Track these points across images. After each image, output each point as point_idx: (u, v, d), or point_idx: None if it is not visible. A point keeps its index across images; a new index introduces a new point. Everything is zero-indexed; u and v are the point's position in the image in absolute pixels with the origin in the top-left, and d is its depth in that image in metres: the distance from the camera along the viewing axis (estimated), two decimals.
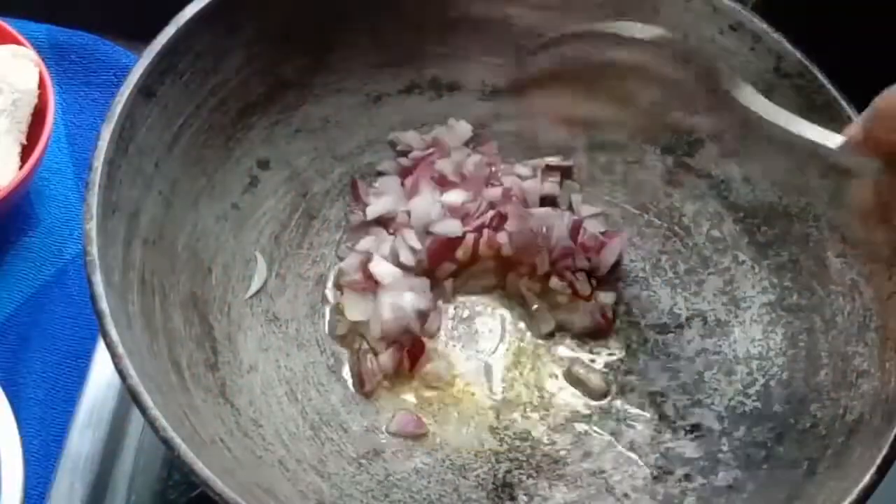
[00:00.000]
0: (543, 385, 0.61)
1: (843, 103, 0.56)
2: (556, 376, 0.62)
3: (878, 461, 0.49)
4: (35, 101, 0.67)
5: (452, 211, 0.62)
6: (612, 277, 0.65)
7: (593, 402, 0.61)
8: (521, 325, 0.63)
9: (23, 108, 0.66)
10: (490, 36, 0.63)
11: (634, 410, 0.61)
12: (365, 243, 0.62)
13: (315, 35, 0.60)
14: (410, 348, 0.60)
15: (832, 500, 0.49)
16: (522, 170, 0.65)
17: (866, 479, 0.48)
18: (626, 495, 0.57)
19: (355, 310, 0.61)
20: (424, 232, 0.62)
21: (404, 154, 0.65)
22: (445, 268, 0.62)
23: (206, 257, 0.58)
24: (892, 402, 0.51)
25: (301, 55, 0.61)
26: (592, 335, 0.63)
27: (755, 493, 0.55)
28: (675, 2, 0.59)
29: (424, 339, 0.61)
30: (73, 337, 0.66)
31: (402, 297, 0.60)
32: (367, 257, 0.61)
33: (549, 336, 0.63)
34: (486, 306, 0.64)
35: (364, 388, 0.59)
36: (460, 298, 0.63)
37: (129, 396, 0.46)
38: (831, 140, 0.46)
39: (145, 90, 0.53)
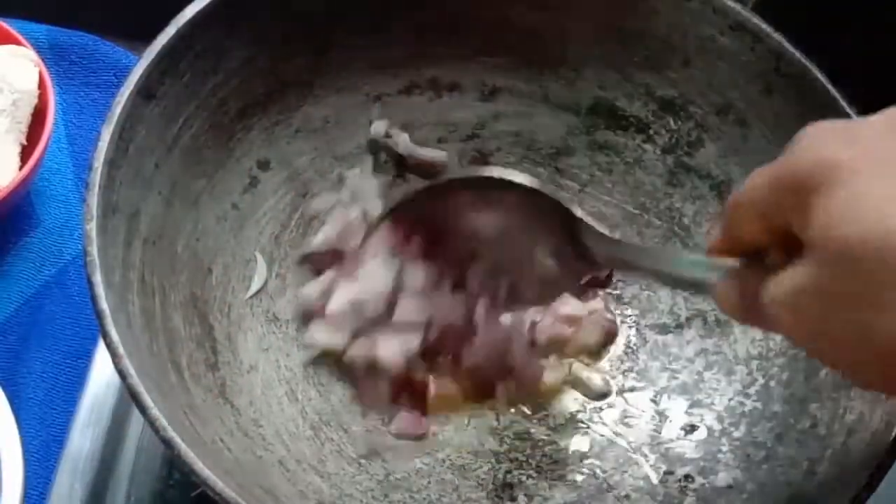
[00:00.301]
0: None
1: (843, 103, 0.56)
2: (557, 376, 0.62)
3: (878, 461, 0.49)
4: (35, 101, 0.67)
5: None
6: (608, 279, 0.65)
7: (593, 403, 0.61)
8: None
9: (23, 108, 0.66)
10: (490, 36, 0.63)
11: (634, 410, 0.61)
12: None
13: (315, 35, 0.60)
14: (413, 392, 0.59)
15: (832, 500, 0.49)
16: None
17: (866, 479, 0.48)
18: (626, 495, 0.57)
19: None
20: None
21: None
22: None
23: (206, 257, 0.58)
24: (893, 402, 0.51)
25: (301, 55, 0.61)
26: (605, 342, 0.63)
27: (755, 493, 0.55)
28: (675, 2, 0.59)
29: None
30: (73, 337, 0.66)
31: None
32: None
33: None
34: None
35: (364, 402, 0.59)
36: None
37: (129, 396, 0.46)
38: (700, 270, 0.46)
39: (145, 90, 0.53)
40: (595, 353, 0.62)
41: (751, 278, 0.42)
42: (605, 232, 0.53)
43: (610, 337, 0.63)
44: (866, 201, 0.35)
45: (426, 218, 0.57)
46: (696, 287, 0.48)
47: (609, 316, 0.63)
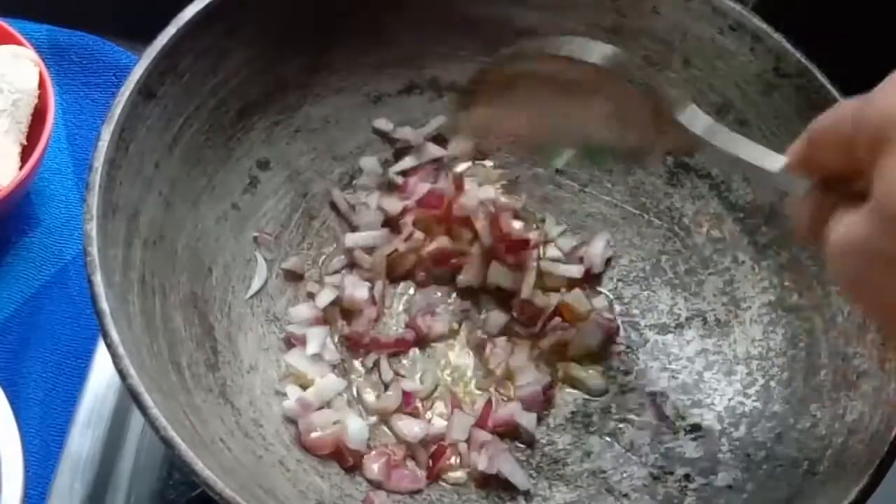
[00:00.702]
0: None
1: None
2: (556, 376, 0.62)
3: (878, 461, 0.49)
4: (35, 101, 0.67)
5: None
6: (607, 277, 0.65)
7: (593, 403, 0.61)
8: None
9: (23, 108, 0.66)
10: (490, 36, 0.63)
11: (634, 410, 0.61)
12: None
13: (315, 35, 0.60)
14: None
15: (832, 500, 0.49)
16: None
17: (866, 479, 0.48)
18: (625, 495, 0.57)
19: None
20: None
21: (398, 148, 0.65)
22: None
23: (206, 257, 0.58)
24: (892, 402, 0.51)
25: (301, 55, 0.61)
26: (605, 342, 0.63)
27: (755, 493, 0.55)
28: (675, 2, 0.59)
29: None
30: (73, 337, 0.66)
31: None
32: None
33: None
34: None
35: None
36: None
37: (129, 396, 0.46)
38: (772, 162, 0.46)
39: (145, 90, 0.53)
40: (595, 353, 0.62)
41: (824, 203, 0.42)
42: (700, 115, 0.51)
43: (610, 337, 0.63)
44: None
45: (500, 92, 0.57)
46: (782, 187, 0.47)
47: (609, 316, 0.63)
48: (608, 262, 0.65)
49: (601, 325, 0.62)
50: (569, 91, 0.54)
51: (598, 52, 0.53)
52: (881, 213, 0.36)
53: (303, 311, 0.60)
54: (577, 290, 0.63)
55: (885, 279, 0.37)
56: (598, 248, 0.64)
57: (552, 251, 0.65)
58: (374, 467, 0.56)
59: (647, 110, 0.52)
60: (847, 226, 0.38)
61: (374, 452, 0.57)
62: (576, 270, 0.64)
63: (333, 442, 0.56)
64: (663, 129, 0.52)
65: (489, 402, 0.59)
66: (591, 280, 0.64)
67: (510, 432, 0.59)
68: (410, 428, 0.58)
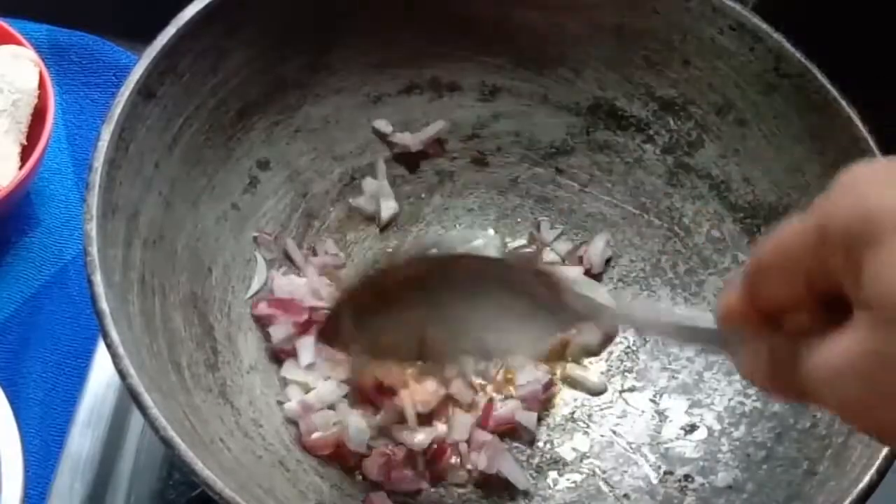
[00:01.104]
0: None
1: (843, 103, 0.56)
2: (556, 376, 0.62)
3: (878, 461, 0.49)
4: (35, 101, 0.67)
5: None
6: (607, 277, 0.65)
7: (593, 403, 0.61)
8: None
9: (23, 108, 0.66)
10: (490, 36, 0.63)
11: (634, 410, 0.61)
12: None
13: (315, 35, 0.60)
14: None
15: (832, 500, 0.49)
16: None
17: (866, 479, 0.48)
18: (625, 495, 0.57)
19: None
20: None
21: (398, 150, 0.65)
22: None
23: (206, 257, 0.58)
24: None
25: (301, 55, 0.61)
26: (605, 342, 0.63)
27: (755, 493, 0.55)
28: (675, 2, 0.59)
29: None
30: (73, 337, 0.66)
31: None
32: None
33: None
34: None
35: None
36: None
37: (129, 396, 0.46)
38: (704, 320, 0.41)
39: (145, 90, 0.53)
40: (595, 353, 0.62)
41: (777, 346, 0.37)
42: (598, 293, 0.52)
43: (610, 337, 0.63)
44: None
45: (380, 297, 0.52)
46: (710, 345, 0.44)
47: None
48: (608, 262, 0.65)
49: (601, 325, 0.62)
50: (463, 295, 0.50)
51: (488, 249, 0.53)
52: (884, 314, 0.31)
53: (280, 331, 0.59)
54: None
55: None
56: (597, 249, 0.64)
57: (550, 255, 0.65)
58: (374, 468, 0.56)
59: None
60: (844, 344, 0.33)
61: (374, 453, 0.57)
62: (575, 272, 0.64)
63: (334, 442, 0.56)
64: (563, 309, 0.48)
65: (490, 401, 0.59)
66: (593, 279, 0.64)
67: (510, 432, 0.59)
68: (413, 437, 0.58)
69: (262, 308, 0.59)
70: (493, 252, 0.52)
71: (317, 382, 0.58)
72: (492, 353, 0.56)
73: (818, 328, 0.35)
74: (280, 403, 0.57)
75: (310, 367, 0.58)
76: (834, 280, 0.34)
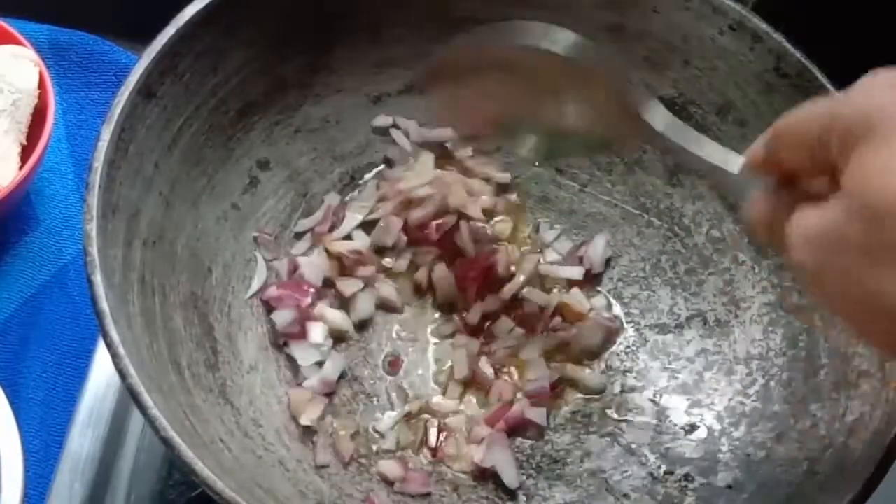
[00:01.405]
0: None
1: None
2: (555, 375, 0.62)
3: (878, 461, 0.49)
4: (35, 101, 0.67)
5: None
6: (607, 277, 0.65)
7: (593, 403, 0.61)
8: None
9: (23, 108, 0.66)
10: None
11: (634, 410, 0.61)
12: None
13: (315, 35, 0.60)
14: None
15: (832, 500, 0.49)
16: None
17: (866, 478, 0.48)
18: (625, 495, 0.57)
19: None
20: None
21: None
22: None
23: (206, 257, 0.58)
24: (892, 402, 0.51)
25: (301, 55, 0.61)
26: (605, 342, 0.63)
27: (755, 493, 0.55)
28: (675, 2, 0.59)
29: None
30: (73, 337, 0.66)
31: None
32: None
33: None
34: None
35: None
36: None
37: (129, 396, 0.46)
38: (732, 162, 0.47)
39: (145, 90, 0.53)
40: (595, 353, 0.62)
41: (784, 200, 0.42)
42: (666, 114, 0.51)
43: (610, 337, 0.63)
44: None
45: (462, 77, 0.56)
46: (736, 189, 0.48)
47: (609, 316, 0.63)
48: (608, 262, 0.65)
49: (601, 325, 0.62)
50: (534, 79, 0.54)
51: (562, 40, 0.53)
52: (853, 203, 0.36)
53: (286, 315, 0.59)
54: (575, 290, 0.63)
55: (850, 269, 0.37)
56: (597, 249, 0.64)
57: (551, 255, 0.65)
58: (393, 468, 0.57)
59: (613, 102, 0.52)
60: (813, 217, 0.39)
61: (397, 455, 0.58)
62: (576, 272, 0.64)
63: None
64: (629, 121, 0.52)
65: (509, 404, 0.59)
66: (590, 280, 0.64)
67: (519, 428, 0.60)
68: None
69: (272, 291, 0.59)
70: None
71: (327, 356, 0.59)
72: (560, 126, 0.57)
73: (814, 195, 0.40)
74: (280, 403, 0.57)
75: (318, 346, 0.59)
76: (831, 161, 0.39)
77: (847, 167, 0.37)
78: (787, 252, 0.41)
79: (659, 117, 0.51)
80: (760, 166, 0.45)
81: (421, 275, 0.62)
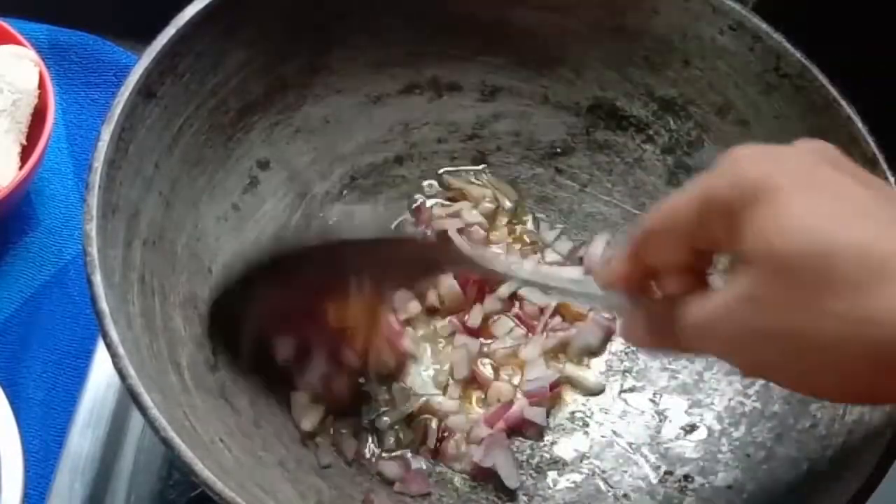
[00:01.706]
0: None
1: (843, 103, 0.56)
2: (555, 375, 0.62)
3: (878, 461, 0.49)
4: (35, 101, 0.67)
5: None
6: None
7: (593, 403, 0.61)
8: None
9: (23, 108, 0.66)
10: (490, 36, 0.63)
11: (634, 410, 0.61)
12: None
13: (315, 35, 0.60)
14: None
15: (832, 500, 0.49)
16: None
17: (866, 479, 0.48)
18: (625, 495, 0.57)
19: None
20: None
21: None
22: None
23: (206, 257, 0.58)
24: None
25: (301, 55, 0.61)
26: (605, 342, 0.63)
27: (755, 493, 0.55)
28: (675, 2, 0.59)
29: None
30: (73, 337, 0.66)
31: None
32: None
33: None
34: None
35: None
36: None
37: (129, 396, 0.46)
38: (591, 285, 0.47)
39: (145, 90, 0.53)
40: (595, 353, 0.62)
41: (658, 307, 0.43)
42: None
43: (610, 336, 0.63)
44: (801, 216, 0.36)
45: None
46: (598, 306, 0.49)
47: (609, 315, 0.63)
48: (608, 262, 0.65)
49: (601, 325, 0.62)
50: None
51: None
52: (764, 267, 0.37)
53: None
54: None
55: (778, 328, 0.37)
56: (597, 249, 0.64)
57: (551, 255, 0.65)
58: (393, 468, 0.57)
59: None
60: (721, 297, 0.39)
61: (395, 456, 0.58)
62: (576, 272, 0.64)
63: None
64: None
65: (509, 403, 0.59)
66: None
67: (519, 427, 0.60)
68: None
69: None
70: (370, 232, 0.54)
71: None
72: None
73: (692, 289, 0.41)
74: (280, 402, 0.57)
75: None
76: (715, 242, 0.40)
77: (740, 238, 0.38)
78: (689, 346, 0.41)
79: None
80: (619, 280, 0.45)
81: (432, 298, 0.62)
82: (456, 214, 0.65)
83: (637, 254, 0.44)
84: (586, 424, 0.60)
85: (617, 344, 0.63)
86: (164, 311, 0.53)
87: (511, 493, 0.57)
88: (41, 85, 0.67)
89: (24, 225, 0.69)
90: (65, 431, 0.62)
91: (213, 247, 0.58)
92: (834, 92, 0.56)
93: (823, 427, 0.54)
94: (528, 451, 0.59)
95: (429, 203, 0.65)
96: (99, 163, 0.49)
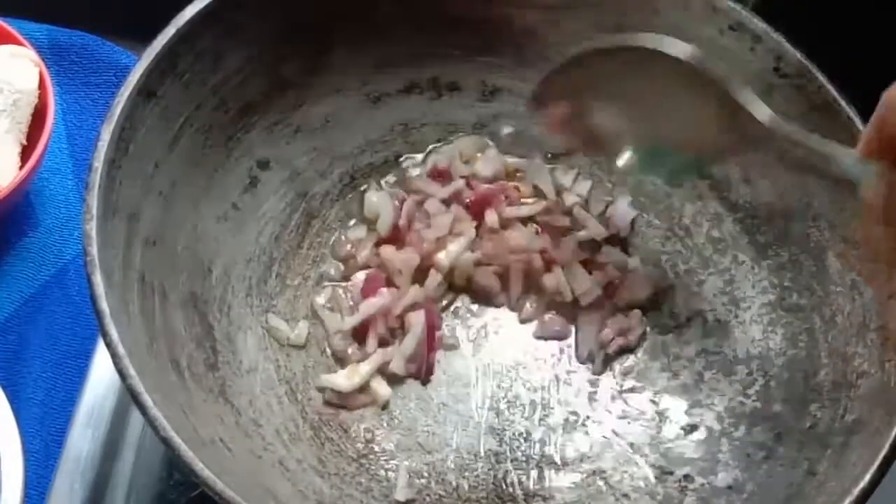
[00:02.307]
0: (543, 385, 0.61)
1: (843, 103, 0.56)
2: (555, 375, 0.62)
3: (878, 461, 0.49)
4: (35, 101, 0.67)
5: None
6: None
7: (593, 402, 0.61)
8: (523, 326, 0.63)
9: (23, 108, 0.66)
10: (490, 36, 0.63)
11: (634, 410, 0.61)
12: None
13: (315, 35, 0.60)
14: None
15: (832, 500, 0.49)
16: None
17: (866, 479, 0.48)
18: (625, 495, 0.57)
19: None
20: None
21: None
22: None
23: (205, 257, 0.58)
24: (893, 402, 0.51)
25: (301, 55, 0.61)
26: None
27: (755, 493, 0.55)
28: (675, 2, 0.59)
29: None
30: (73, 337, 0.66)
31: None
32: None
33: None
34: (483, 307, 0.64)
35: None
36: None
37: (129, 396, 0.46)
38: (841, 152, 0.47)
39: (145, 90, 0.53)
40: (643, 306, 0.63)
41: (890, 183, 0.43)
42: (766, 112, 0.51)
43: (657, 294, 0.63)
44: None
45: (574, 89, 0.56)
46: (848, 178, 0.47)
47: (652, 269, 0.63)
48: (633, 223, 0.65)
49: (651, 280, 0.62)
50: (643, 92, 0.54)
51: (678, 46, 0.52)
52: None
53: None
54: (609, 248, 0.64)
55: None
56: (622, 211, 0.64)
57: (570, 198, 0.65)
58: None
59: (714, 105, 0.51)
60: None
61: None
62: (600, 230, 0.64)
63: None
64: (734, 130, 0.51)
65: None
66: (620, 245, 0.64)
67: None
68: None
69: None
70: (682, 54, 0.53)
71: None
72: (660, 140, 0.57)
73: None
74: (280, 403, 0.58)
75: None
76: None
77: None
78: None
79: (761, 109, 0.50)
80: (875, 146, 0.45)
81: (459, 277, 0.63)
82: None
83: (879, 122, 0.44)
84: (586, 424, 0.60)
85: (618, 344, 0.63)
86: (164, 311, 0.53)
87: (511, 494, 0.58)
88: (41, 85, 0.67)
89: (24, 225, 0.69)
90: (65, 431, 0.62)
91: (213, 247, 0.58)
92: (834, 92, 0.56)
93: (823, 427, 0.54)
94: (529, 452, 0.59)
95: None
96: (99, 163, 0.50)
